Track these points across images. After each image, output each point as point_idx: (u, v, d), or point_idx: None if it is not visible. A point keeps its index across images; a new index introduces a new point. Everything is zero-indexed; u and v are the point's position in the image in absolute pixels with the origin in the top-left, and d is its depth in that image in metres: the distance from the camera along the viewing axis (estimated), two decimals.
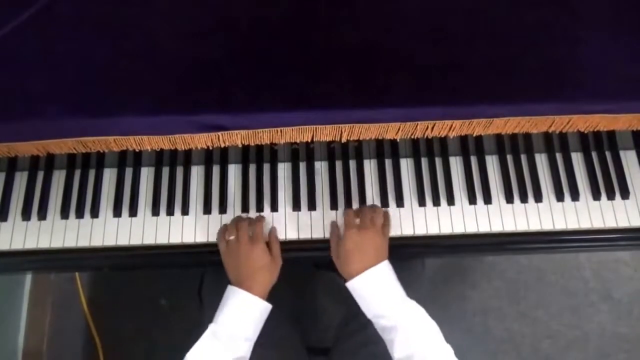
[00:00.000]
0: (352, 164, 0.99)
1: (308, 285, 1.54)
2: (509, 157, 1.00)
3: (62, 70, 0.82)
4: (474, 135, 0.84)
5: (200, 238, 0.96)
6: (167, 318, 1.59)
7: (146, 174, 1.00)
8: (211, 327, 0.85)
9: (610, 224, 0.95)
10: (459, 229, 0.95)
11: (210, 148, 0.84)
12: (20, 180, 0.99)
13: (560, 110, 0.81)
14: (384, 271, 0.86)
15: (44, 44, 0.84)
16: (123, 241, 0.95)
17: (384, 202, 0.97)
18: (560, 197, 0.97)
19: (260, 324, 0.88)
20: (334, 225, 0.94)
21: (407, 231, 0.95)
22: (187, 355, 0.82)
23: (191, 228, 0.96)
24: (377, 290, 0.85)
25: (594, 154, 1.00)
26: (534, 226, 0.95)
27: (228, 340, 0.83)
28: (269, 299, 0.89)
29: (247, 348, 0.85)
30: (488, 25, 0.86)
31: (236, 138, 0.82)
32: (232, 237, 0.90)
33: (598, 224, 0.95)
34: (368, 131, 0.82)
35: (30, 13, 0.85)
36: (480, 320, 1.65)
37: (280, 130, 0.81)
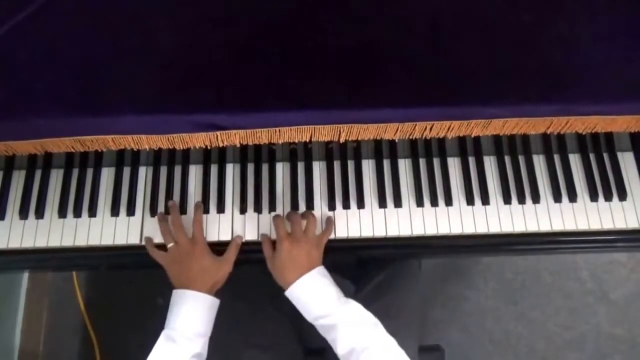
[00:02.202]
0: (350, 164, 0.99)
1: None
2: (507, 158, 1.00)
3: (60, 69, 0.82)
4: (472, 136, 0.84)
5: None
6: (164, 317, 1.58)
7: (144, 173, 0.99)
8: (164, 333, 0.86)
9: (608, 225, 0.95)
10: (456, 230, 0.95)
11: (209, 147, 0.84)
12: (18, 179, 0.98)
13: (558, 112, 0.82)
14: (318, 276, 0.87)
15: (41, 43, 0.84)
16: (121, 240, 0.95)
17: (382, 203, 0.97)
18: (557, 199, 0.97)
19: (212, 319, 0.88)
20: (264, 236, 0.94)
21: (405, 232, 0.95)
22: None
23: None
24: (312, 294, 0.86)
25: (591, 156, 1.00)
26: (532, 227, 0.95)
27: (181, 340, 0.84)
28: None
29: (201, 344, 0.86)
30: (486, 26, 0.86)
31: (234, 138, 0.82)
32: (171, 245, 0.91)
33: (595, 225, 0.95)
34: (366, 131, 0.82)
35: (28, 12, 0.85)
36: (477, 320, 1.65)
37: (279, 130, 0.81)
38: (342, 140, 0.84)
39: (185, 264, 0.89)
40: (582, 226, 0.95)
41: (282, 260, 0.88)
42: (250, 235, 0.95)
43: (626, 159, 1.00)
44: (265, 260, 0.91)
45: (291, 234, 0.90)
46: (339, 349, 0.82)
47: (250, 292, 1.08)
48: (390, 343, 0.83)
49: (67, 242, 0.95)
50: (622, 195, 0.97)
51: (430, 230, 0.95)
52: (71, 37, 0.85)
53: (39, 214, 0.96)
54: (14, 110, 0.79)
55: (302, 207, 0.97)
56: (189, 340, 0.84)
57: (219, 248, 0.93)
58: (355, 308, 0.85)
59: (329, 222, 0.95)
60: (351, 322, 0.84)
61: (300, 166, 1.00)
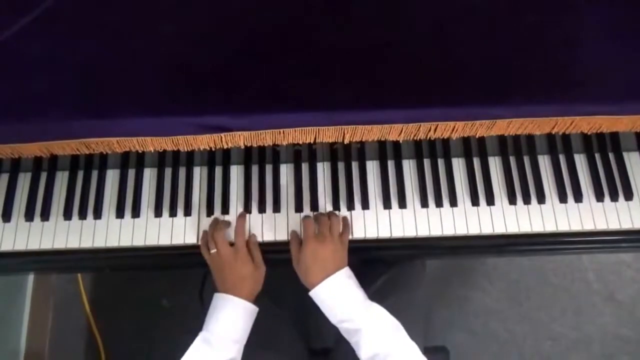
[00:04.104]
0: (355, 165, 0.99)
1: None
2: (512, 159, 0.99)
3: (65, 71, 0.82)
4: (477, 136, 0.84)
5: None
6: (169, 319, 1.59)
7: (149, 175, 1.00)
8: (201, 334, 0.86)
9: (614, 225, 0.95)
10: (461, 231, 0.95)
11: (213, 149, 0.84)
12: (24, 181, 0.99)
13: (563, 112, 0.81)
14: (343, 278, 0.87)
15: (47, 46, 0.84)
16: (125, 242, 0.95)
17: (387, 204, 0.96)
18: (563, 199, 0.96)
19: (249, 327, 0.89)
20: (294, 234, 0.95)
21: (410, 232, 0.95)
22: None
23: (194, 229, 0.96)
24: (338, 296, 0.86)
25: (597, 156, 0.99)
26: (537, 228, 0.95)
27: (218, 344, 0.85)
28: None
29: (236, 350, 0.87)
30: (491, 26, 0.86)
31: (239, 139, 0.82)
32: (214, 251, 0.91)
33: (601, 226, 0.95)
34: (370, 132, 0.82)
35: (33, 15, 0.85)
36: (482, 321, 1.65)
37: (283, 132, 0.81)
38: (346, 141, 0.84)
39: (226, 271, 0.90)
40: (588, 226, 0.95)
41: (306, 259, 0.88)
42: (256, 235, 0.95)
43: (632, 159, 0.99)
44: (292, 259, 0.91)
45: (317, 234, 0.90)
46: (362, 354, 0.83)
47: None
48: (412, 348, 0.83)
49: (73, 244, 0.95)
50: (629, 195, 0.96)
51: (435, 231, 0.95)
52: (76, 39, 0.85)
53: (45, 216, 0.96)
54: (20, 113, 0.80)
55: (307, 209, 0.97)
56: (225, 345, 0.85)
57: None
58: (379, 312, 0.85)
59: (345, 221, 0.95)
60: (375, 327, 0.84)
61: (305, 167, 1.00)
